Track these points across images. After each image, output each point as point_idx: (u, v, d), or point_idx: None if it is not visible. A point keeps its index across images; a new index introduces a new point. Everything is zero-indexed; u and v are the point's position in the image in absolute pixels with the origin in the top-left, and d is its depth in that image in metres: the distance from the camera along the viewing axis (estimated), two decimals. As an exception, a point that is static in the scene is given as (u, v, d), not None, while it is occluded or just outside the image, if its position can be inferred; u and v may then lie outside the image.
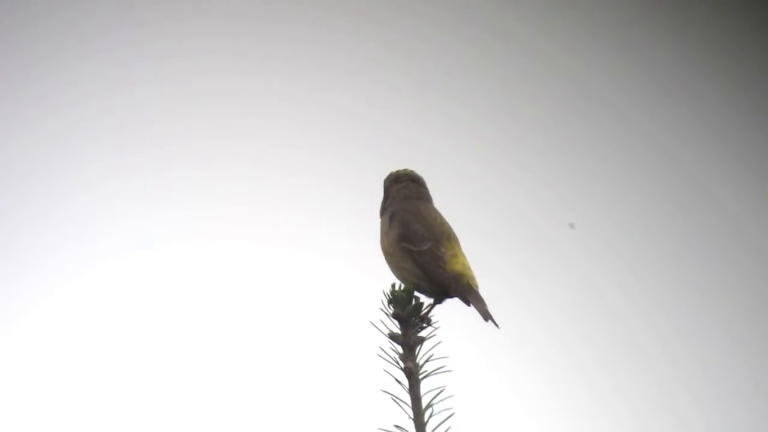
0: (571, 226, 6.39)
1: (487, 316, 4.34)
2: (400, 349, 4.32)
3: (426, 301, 4.38)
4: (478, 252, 6.31)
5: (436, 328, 4.34)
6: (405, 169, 4.60)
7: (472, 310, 4.37)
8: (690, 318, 6.39)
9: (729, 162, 6.71)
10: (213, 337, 5.97)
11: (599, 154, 6.68)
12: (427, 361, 4.30)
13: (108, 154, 6.41)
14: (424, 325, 4.33)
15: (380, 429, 4.23)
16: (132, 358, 6.05)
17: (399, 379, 4.29)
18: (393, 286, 4.37)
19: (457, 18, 6.71)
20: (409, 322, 4.33)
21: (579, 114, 6.71)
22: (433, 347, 4.31)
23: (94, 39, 6.48)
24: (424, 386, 4.29)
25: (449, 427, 4.24)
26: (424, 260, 4.40)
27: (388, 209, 4.54)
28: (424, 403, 4.27)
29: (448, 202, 6.38)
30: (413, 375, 4.29)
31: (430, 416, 4.26)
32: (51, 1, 6.50)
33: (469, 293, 4.38)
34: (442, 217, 4.52)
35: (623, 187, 6.62)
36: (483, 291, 4.40)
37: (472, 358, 4.42)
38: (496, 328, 4.33)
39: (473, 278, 4.42)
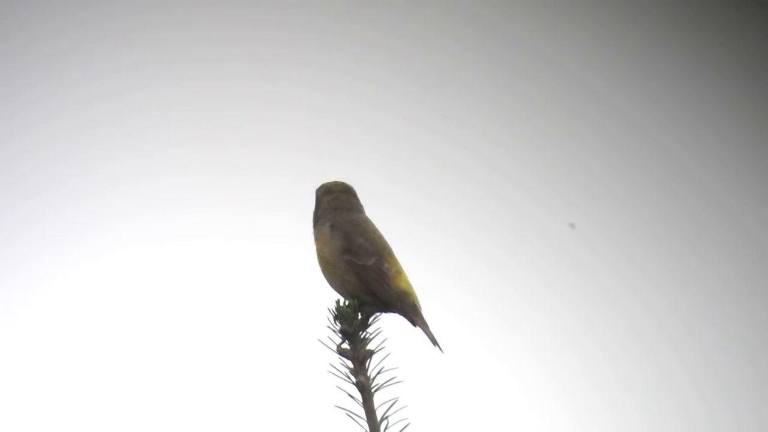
0: (571, 226, 6.36)
1: (434, 341, 4.34)
2: (350, 364, 4.33)
3: (370, 312, 4.39)
4: (477, 251, 6.32)
5: (384, 340, 4.35)
6: (335, 181, 4.58)
7: (418, 331, 4.38)
8: (691, 318, 6.36)
9: (730, 160, 6.66)
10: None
11: (599, 154, 6.64)
12: (378, 373, 4.31)
13: (103, 156, 6.45)
14: (372, 336, 4.34)
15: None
16: (104, 359, 6.11)
17: (352, 394, 4.31)
18: (337, 302, 4.37)
19: (456, 17, 6.68)
20: (357, 337, 4.33)
21: (579, 113, 6.67)
22: (382, 359, 4.32)
23: (94, 42, 6.52)
24: (378, 399, 4.30)
25: (405, 438, 4.26)
26: (369, 276, 4.38)
27: (322, 219, 4.50)
28: (379, 415, 4.29)
29: (448, 202, 6.39)
30: (366, 389, 4.30)
31: (386, 428, 4.27)
32: (54, 4, 6.54)
33: (415, 315, 4.37)
34: (379, 230, 4.50)
35: (624, 187, 6.59)
36: (425, 311, 4.42)
37: (423, 366, 4.41)
38: (441, 352, 4.35)
39: (416, 297, 4.41)
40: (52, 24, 6.52)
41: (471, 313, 6.04)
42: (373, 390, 4.30)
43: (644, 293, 6.36)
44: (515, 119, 6.65)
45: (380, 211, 4.62)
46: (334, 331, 4.35)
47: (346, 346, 4.34)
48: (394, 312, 4.39)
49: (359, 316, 4.35)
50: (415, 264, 5.19)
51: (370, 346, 4.34)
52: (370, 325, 4.37)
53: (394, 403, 4.28)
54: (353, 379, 4.31)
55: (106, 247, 6.31)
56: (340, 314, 4.34)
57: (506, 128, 6.62)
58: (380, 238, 4.47)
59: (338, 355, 4.34)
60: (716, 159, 6.66)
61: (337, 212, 4.49)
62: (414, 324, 4.37)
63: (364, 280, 4.38)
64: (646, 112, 6.71)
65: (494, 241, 6.35)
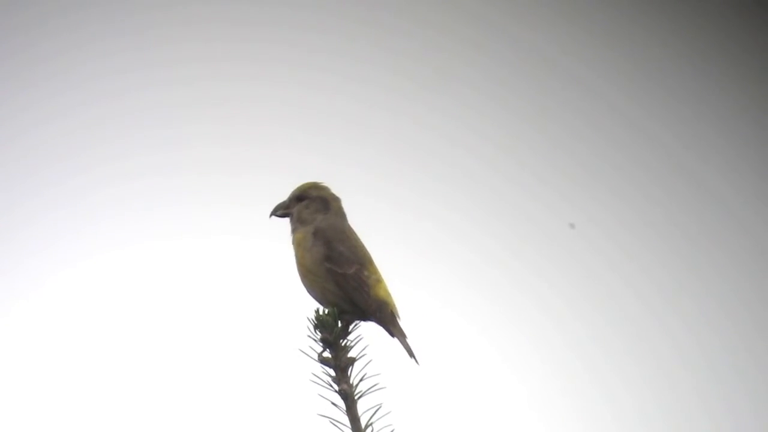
0: (571, 226, 6.34)
1: (410, 352, 4.33)
2: (332, 372, 4.31)
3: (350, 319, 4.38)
4: (477, 250, 6.30)
5: (365, 347, 4.33)
6: (316, 182, 4.53)
7: (395, 342, 4.37)
8: (691, 317, 6.33)
9: (730, 160, 6.62)
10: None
11: (600, 154, 6.62)
12: (361, 380, 4.30)
13: (99, 156, 6.48)
14: (353, 344, 4.33)
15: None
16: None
17: (335, 402, 4.30)
18: (317, 311, 4.35)
19: (456, 17, 6.68)
20: (338, 345, 4.32)
21: (580, 113, 6.65)
22: (364, 366, 4.31)
23: (91, 42, 6.55)
24: (361, 406, 4.29)
25: (390, 443, 4.25)
26: (349, 285, 4.36)
27: (305, 222, 4.49)
28: (363, 422, 4.27)
29: (447, 202, 6.38)
30: (349, 396, 4.29)
31: (371, 435, 4.27)
32: (57, 5, 6.58)
33: (393, 325, 4.36)
34: (359, 238, 4.48)
35: (624, 187, 6.56)
36: (402, 321, 4.41)
37: (406, 371, 4.40)
38: (416, 364, 4.34)
39: (395, 306, 4.39)
40: (52, 24, 6.56)
41: (470, 313, 6.03)
42: (356, 397, 4.29)
43: (644, 293, 6.33)
44: (515, 119, 6.64)
45: (378, 212, 4.61)
46: (315, 339, 4.34)
47: (327, 354, 4.33)
48: (372, 321, 4.37)
49: (339, 324, 4.34)
50: (415, 264, 5.19)
51: (352, 354, 4.33)
52: (350, 333, 4.36)
53: (378, 410, 4.27)
54: (336, 387, 4.30)
55: (100, 246, 6.34)
56: (321, 323, 4.33)
57: (506, 128, 6.61)
58: (361, 246, 4.45)
59: (320, 364, 4.33)
60: (717, 159, 6.63)
61: (319, 215, 4.46)
62: (392, 335, 4.36)
63: (344, 288, 4.36)
64: (647, 111, 6.69)
65: (494, 240, 6.33)
